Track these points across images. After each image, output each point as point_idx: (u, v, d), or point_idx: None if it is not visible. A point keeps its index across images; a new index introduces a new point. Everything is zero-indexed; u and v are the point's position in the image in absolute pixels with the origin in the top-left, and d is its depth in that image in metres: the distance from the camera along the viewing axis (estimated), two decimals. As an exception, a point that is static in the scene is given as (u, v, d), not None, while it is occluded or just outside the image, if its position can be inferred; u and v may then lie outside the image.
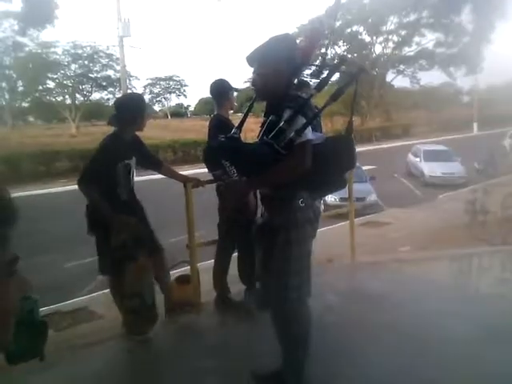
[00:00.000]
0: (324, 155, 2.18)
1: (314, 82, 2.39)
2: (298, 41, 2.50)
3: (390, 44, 35.63)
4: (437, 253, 6.52)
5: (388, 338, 3.08)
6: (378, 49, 36.28)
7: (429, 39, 34.65)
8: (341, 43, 34.38)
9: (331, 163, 2.24)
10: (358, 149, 2.53)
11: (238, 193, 2.33)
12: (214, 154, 2.51)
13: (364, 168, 12.97)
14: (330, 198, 10.18)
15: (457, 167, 15.90)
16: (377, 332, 3.18)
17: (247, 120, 2.56)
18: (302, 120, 2.12)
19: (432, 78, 67.40)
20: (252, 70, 2.36)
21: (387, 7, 31.72)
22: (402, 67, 37.20)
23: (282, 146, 2.10)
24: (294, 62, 2.29)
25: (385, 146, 26.60)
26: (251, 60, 2.33)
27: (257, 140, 2.32)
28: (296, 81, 2.40)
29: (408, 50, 35.75)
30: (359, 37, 35.75)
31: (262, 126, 2.28)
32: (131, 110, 3.13)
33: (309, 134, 2.13)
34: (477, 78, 37.46)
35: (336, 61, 2.31)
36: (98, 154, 3.10)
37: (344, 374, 2.69)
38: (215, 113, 3.62)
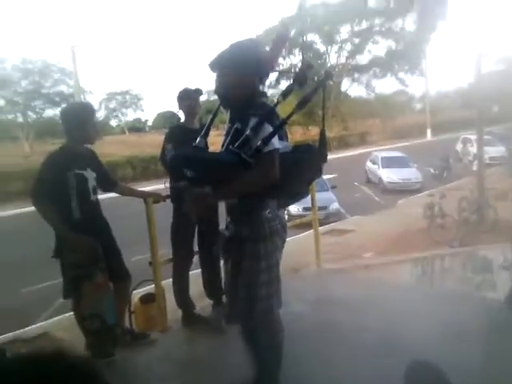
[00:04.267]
0: (291, 164, 2.13)
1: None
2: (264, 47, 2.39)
3: (344, 53, 36.26)
4: (399, 257, 6.66)
5: (358, 341, 3.10)
6: (332, 58, 36.82)
7: (381, 46, 35.72)
8: (296, 52, 34.53)
9: (298, 172, 2.19)
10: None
11: (205, 205, 2.23)
12: (178, 165, 2.39)
13: (325, 177, 13.13)
14: (294, 208, 10.27)
15: (414, 173, 16.34)
16: (347, 336, 3.20)
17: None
18: (268, 128, 2.06)
19: (385, 86, 69.62)
20: (215, 77, 2.26)
21: (339, 16, 32.17)
22: (356, 75, 37.90)
23: (249, 155, 2.03)
24: (259, 68, 2.21)
25: (343, 154, 27.07)
26: (214, 65, 2.23)
27: (221, 149, 2.23)
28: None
29: (361, 59, 36.54)
30: (314, 46, 36.16)
31: (227, 135, 2.21)
32: (74, 119, 3.01)
33: (276, 142, 2.08)
34: (427, 85, 39.08)
35: (301, 68, 2.24)
36: (44, 164, 2.94)
37: (316, 380, 2.69)
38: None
